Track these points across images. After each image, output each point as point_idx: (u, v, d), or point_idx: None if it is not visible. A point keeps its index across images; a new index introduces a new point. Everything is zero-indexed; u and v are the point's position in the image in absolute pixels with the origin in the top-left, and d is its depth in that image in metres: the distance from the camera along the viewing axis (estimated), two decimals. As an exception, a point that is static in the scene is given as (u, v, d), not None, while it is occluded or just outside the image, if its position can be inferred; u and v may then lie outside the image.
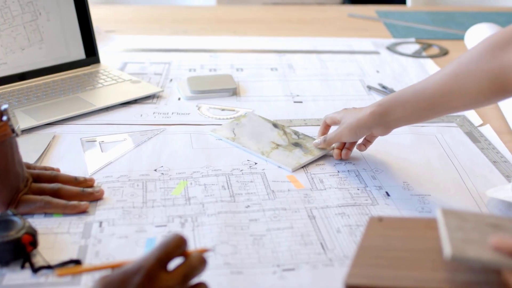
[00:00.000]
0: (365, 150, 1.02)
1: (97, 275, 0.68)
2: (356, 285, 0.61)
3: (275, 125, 1.11)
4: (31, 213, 0.83)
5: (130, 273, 0.57)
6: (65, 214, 0.84)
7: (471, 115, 1.20)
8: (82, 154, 1.02)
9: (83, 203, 0.85)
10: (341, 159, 1.01)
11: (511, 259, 0.57)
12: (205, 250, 0.66)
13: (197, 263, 0.62)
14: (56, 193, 0.85)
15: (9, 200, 0.82)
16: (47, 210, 0.83)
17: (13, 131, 0.80)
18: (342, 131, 0.97)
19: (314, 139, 1.05)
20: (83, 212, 0.85)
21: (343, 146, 1.02)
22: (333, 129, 1.03)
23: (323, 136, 1.03)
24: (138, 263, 0.58)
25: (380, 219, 0.70)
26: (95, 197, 0.87)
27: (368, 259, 0.64)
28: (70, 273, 0.69)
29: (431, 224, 0.67)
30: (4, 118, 0.79)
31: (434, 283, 0.59)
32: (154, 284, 0.57)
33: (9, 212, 0.77)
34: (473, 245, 0.58)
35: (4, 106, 0.79)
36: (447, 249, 0.57)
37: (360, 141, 1.01)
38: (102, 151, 1.02)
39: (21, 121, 1.09)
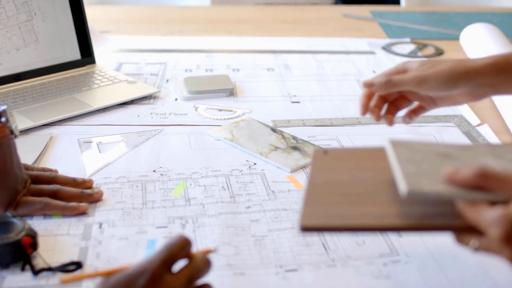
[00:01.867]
0: (410, 123, 0.87)
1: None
2: (312, 226, 0.57)
3: (273, 130, 1.10)
4: (30, 215, 0.82)
5: (135, 275, 0.57)
6: (65, 215, 0.83)
7: (469, 115, 1.20)
8: (80, 155, 1.01)
9: (82, 204, 0.84)
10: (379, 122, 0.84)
11: (464, 190, 0.56)
12: (209, 251, 0.65)
13: (202, 264, 0.61)
14: (55, 195, 0.85)
15: (8, 201, 0.81)
16: (46, 212, 0.83)
17: (11, 132, 0.79)
18: (433, 73, 0.77)
19: (313, 145, 1.05)
20: (83, 213, 0.84)
21: (381, 105, 0.82)
22: None
23: (385, 77, 0.79)
24: (142, 265, 0.58)
25: (325, 152, 0.66)
26: (95, 199, 0.87)
27: (320, 196, 0.60)
28: (74, 279, 0.68)
29: (378, 154, 0.65)
30: (3, 119, 0.78)
31: (390, 219, 0.57)
32: (159, 286, 0.57)
33: (9, 214, 0.76)
34: (426, 178, 0.57)
35: (3, 107, 0.78)
36: (402, 186, 0.56)
37: (411, 107, 0.86)
38: (100, 152, 1.02)
39: (18, 122, 1.07)
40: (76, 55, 1.33)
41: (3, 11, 1.20)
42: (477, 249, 0.58)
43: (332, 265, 0.75)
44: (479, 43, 1.50)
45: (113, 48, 1.57)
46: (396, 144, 0.61)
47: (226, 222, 0.83)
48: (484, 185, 0.56)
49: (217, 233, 0.81)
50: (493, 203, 0.56)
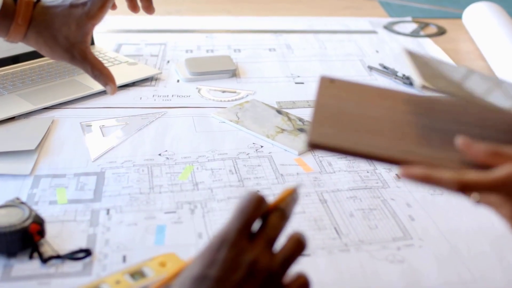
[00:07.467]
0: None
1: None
2: (321, 143, 0.57)
3: (279, 111, 1.09)
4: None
5: (214, 249, 0.52)
6: None
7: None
8: (83, 138, 0.99)
9: None
10: None
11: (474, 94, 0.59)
12: (291, 191, 0.57)
13: (276, 221, 0.55)
14: None
15: None
16: None
17: None
18: None
19: None
20: None
21: None
22: None
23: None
24: (219, 237, 0.53)
25: (332, 80, 0.66)
26: None
27: (328, 119, 0.60)
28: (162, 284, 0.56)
29: (383, 93, 0.66)
30: None
31: (399, 153, 0.57)
32: (240, 256, 0.52)
33: (16, 200, 0.74)
34: (441, 80, 0.59)
35: None
36: (418, 81, 0.57)
37: None
38: (103, 136, 1.00)
39: (18, 105, 1.06)
40: (74, 36, 1.30)
41: (-1, -9, 1.17)
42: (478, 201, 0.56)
43: (346, 250, 0.74)
44: (483, 23, 1.48)
45: (110, 29, 1.54)
46: (413, 53, 0.63)
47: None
48: (495, 162, 0.55)
49: (227, 218, 0.79)
50: None
